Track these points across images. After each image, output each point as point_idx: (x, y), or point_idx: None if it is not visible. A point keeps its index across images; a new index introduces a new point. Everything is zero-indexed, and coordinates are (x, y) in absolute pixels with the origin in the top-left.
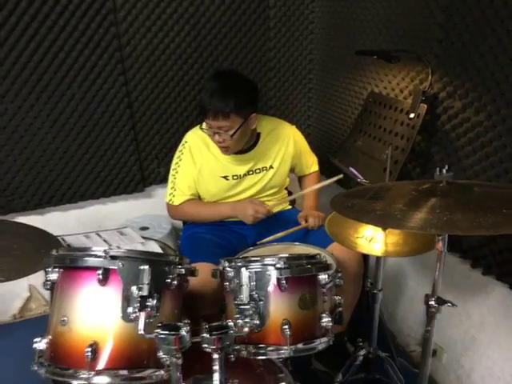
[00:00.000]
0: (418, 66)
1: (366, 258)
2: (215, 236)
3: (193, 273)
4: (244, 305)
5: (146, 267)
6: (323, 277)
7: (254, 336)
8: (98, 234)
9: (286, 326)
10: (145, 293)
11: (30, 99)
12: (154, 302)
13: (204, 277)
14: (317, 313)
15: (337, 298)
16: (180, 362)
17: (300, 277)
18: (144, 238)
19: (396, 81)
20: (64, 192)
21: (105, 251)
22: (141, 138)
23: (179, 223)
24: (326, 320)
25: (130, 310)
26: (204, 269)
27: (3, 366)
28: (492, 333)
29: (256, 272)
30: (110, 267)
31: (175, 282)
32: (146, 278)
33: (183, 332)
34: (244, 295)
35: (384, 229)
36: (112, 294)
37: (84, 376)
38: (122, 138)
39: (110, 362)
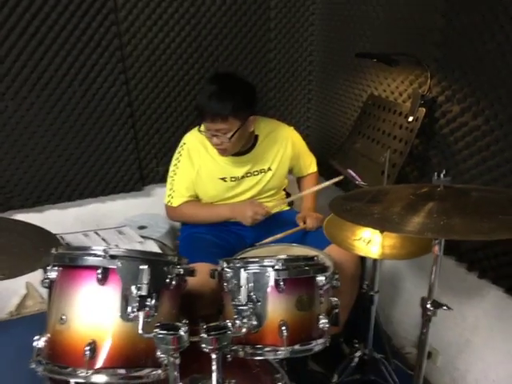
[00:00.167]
0: (417, 69)
1: (363, 259)
2: (214, 236)
3: (191, 273)
4: (242, 306)
5: (146, 267)
6: (321, 278)
7: (251, 336)
8: (97, 233)
9: (284, 327)
10: (144, 292)
11: (30, 97)
12: (153, 301)
13: (202, 277)
14: (314, 314)
15: (333, 299)
16: (178, 361)
17: (298, 278)
18: (142, 237)
19: (395, 84)
20: (63, 190)
21: (104, 250)
22: (140, 136)
23: (177, 223)
24: (323, 322)
25: (128, 309)
26: (202, 269)
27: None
28: (487, 335)
29: (254, 273)
30: (110, 266)
31: (174, 282)
32: (146, 278)
33: (182, 332)
34: (242, 296)
35: (381, 231)
36: (111, 294)
37: (82, 374)
38: (122, 137)
39: (108, 360)
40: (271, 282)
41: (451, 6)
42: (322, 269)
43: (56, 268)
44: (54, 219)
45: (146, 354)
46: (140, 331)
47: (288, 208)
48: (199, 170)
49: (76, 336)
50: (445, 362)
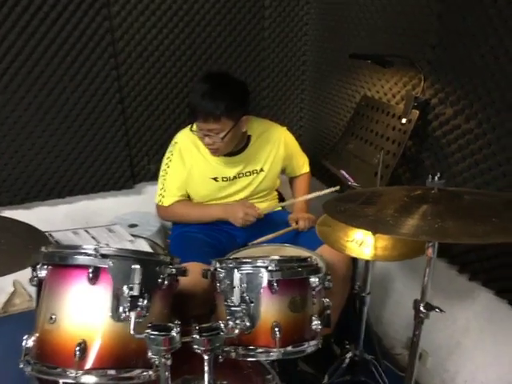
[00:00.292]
0: (410, 71)
1: (354, 260)
2: (205, 235)
3: (184, 273)
4: (235, 306)
5: (138, 267)
6: (314, 280)
7: (243, 338)
8: (87, 231)
9: (277, 329)
10: (135, 292)
11: (19, 91)
12: (145, 302)
13: (194, 277)
14: (307, 315)
15: (325, 300)
16: (169, 362)
17: (291, 279)
18: (133, 235)
19: (389, 85)
20: (52, 186)
21: (95, 249)
22: (132, 133)
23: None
24: (316, 323)
25: (120, 309)
26: (194, 269)
27: None
28: (477, 338)
29: (248, 274)
30: (101, 266)
31: (166, 282)
32: (137, 278)
33: (174, 333)
34: (235, 297)
35: (374, 233)
36: (102, 293)
37: (72, 375)
38: (113, 134)
39: (99, 361)
40: (264, 283)
41: (446, 8)
42: (315, 270)
43: (46, 266)
44: (43, 216)
45: (136, 355)
46: (131, 332)
47: (280, 208)
48: (191, 169)
49: (66, 336)
50: (435, 364)
